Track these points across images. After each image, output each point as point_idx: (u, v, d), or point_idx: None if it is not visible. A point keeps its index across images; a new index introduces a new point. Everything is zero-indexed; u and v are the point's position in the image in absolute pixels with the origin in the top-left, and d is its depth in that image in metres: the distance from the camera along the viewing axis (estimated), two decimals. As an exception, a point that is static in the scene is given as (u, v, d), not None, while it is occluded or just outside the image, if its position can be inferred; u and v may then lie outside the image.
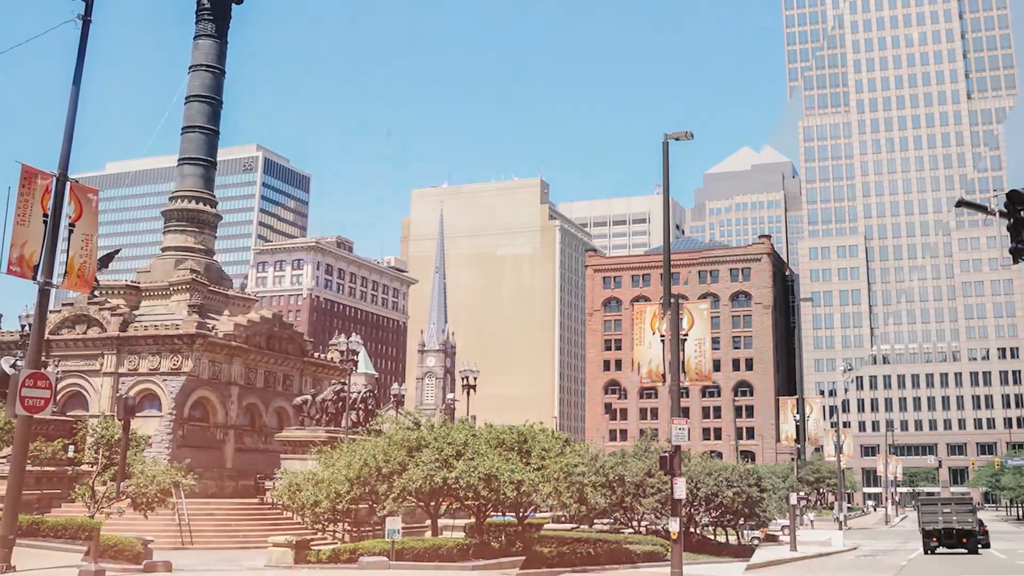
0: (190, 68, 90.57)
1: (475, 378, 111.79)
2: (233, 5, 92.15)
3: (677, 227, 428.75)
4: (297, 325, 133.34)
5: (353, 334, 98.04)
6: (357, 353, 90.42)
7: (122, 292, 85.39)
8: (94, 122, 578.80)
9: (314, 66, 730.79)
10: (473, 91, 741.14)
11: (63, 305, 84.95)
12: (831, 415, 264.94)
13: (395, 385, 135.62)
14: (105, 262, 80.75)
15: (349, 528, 62.98)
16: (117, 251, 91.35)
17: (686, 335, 64.34)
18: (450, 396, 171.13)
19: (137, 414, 62.71)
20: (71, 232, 37.27)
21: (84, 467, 67.05)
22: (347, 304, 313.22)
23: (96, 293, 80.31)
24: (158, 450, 72.71)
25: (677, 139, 55.54)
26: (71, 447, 69.21)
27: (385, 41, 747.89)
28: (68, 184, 37.00)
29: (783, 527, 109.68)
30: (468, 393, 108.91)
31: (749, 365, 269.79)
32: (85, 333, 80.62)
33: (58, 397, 76.24)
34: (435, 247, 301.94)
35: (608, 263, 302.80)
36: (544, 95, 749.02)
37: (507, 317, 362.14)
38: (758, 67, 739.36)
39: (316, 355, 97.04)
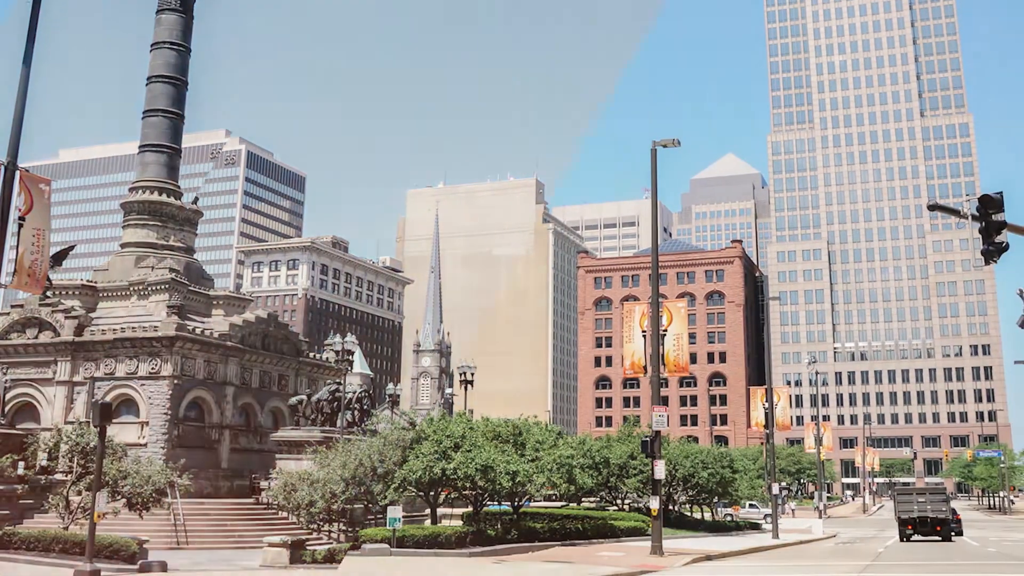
0: (152, 46, 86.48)
1: (472, 374, 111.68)
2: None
3: (665, 230, 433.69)
4: (292, 325, 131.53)
5: (349, 334, 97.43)
6: (352, 353, 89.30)
7: (77, 292, 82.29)
8: (46, 105, 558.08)
9: (309, 65, 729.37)
10: (468, 93, 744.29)
11: (12, 307, 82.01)
12: (799, 405, 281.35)
13: (390, 385, 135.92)
14: (58, 259, 77.32)
15: (344, 528, 62.44)
16: (72, 247, 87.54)
17: (665, 331, 65.57)
18: (448, 391, 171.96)
19: (113, 420, 60.63)
20: (21, 226, 34.12)
21: (58, 476, 63.83)
22: (342, 304, 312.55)
23: (49, 293, 77.54)
24: (153, 450, 70.63)
25: (665, 146, 57.23)
26: (20, 463, 65.89)
27: (379, 42, 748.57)
28: (17, 173, 33.75)
29: (766, 515, 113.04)
30: (466, 388, 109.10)
31: (722, 358, 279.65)
32: (36, 337, 77.43)
33: (6, 408, 74.44)
34: (430, 247, 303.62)
35: (599, 264, 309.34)
36: (538, 100, 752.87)
37: (502, 316, 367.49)
38: (745, 75, 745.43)
39: (311, 355, 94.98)
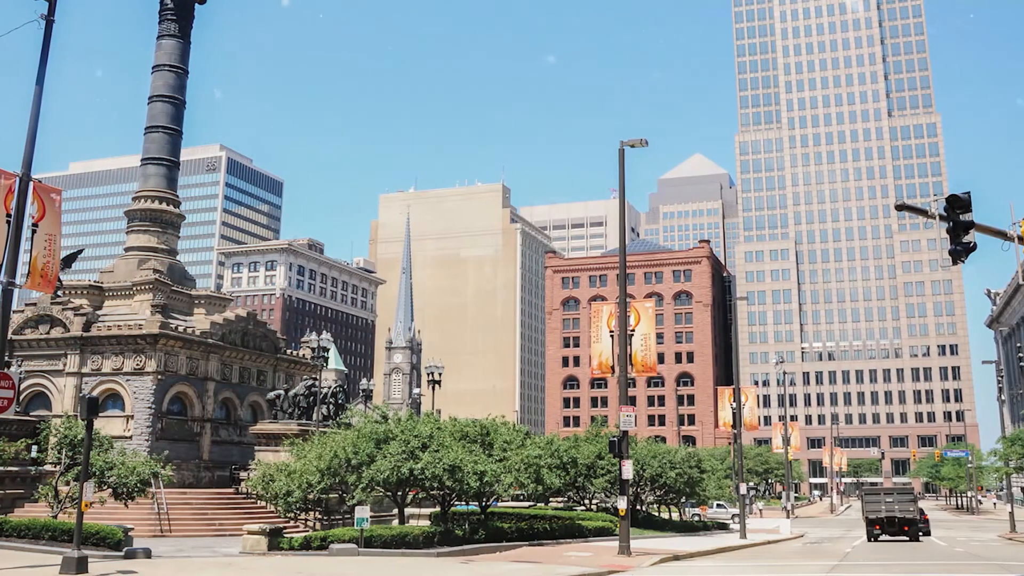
0: (153, 68, 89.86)
1: (440, 374, 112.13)
2: (196, 5, 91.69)
3: (632, 230, 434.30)
4: (270, 323, 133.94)
5: (324, 332, 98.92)
6: (328, 350, 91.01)
7: (85, 292, 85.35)
8: (57, 122, 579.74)
9: (286, 76, 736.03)
10: (438, 98, 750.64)
11: (26, 305, 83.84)
12: (766, 405, 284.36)
13: (364, 381, 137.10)
14: (68, 262, 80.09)
15: (320, 517, 64.18)
16: (80, 251, 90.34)
17: (633, 331, 66.62)
18: (416, 391, 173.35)
19: (100, 414, 62.33)
20: (34, 232, 36.64)
21: (47, 467, 66.76)
22: (318, 303, 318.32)
23: (59, 293, 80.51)
24: (138, 443, 73.33)
25: (632, 146, 56.66)
26: (34, 447, 68.59)
27: (353, 53, 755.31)
28: (31, 184, 36.12)
29: (733, 515, 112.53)
30: (433, 388, 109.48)
31: (690, 358, 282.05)
32: (48, 333, 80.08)
33: (21, 397, 76.92)
34: (402, 249, 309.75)
35: (567, 264, 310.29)
36: (506, 102, 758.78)
37: (471, 316, 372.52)
38: (713, 75, 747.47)
39: (289, 352, 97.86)
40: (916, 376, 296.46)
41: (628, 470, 53.58)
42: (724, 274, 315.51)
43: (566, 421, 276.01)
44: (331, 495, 59.29)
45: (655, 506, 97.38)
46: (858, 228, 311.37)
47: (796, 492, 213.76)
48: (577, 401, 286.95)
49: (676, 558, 54.95)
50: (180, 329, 79.97)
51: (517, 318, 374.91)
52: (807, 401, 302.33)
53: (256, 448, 78.84)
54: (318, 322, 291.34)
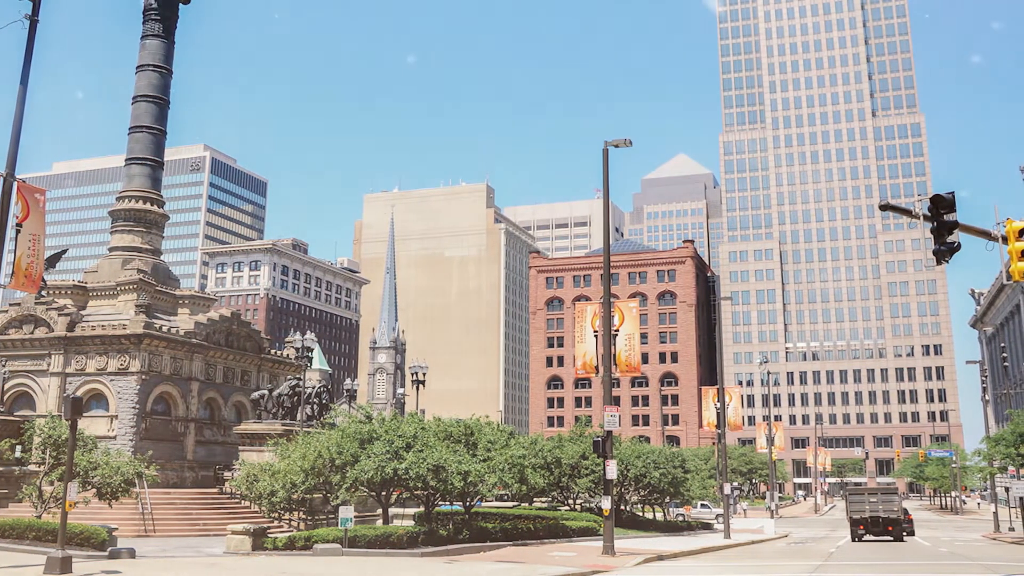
0: (137, 68, 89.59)
1: (424, 374, 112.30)
2: (180, 5, 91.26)
3: (616, 230, 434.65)
4: (254, 323, 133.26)
5: (308, 332, 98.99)
6: (312, 350, 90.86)
7: (69, 292, 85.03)
8: (41, 121, 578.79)
9: (270, 76, 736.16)
10: (422, 98, 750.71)
11: (10, 305, 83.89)
12: (751, 405, 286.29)
13: (348, 381, 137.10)
14: (52, 262, 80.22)
15: (304, 517, 64.17)
16: (64, 251, 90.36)
17: (617, 331, 66.68)
18: (400, 391, 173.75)
19: (84, 414, 62.33)
20: (18, 232, 35.93)
21: (32, 467, 66.80)
22: (302, 303, 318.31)
23: (43, 293, 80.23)
24: (122, 443, 73.21)
25: (616, 146, 56.64)
26: (18, 447, 68.50)
27: (337, 50, 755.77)
28: (15, 184, 35.44)
29: (717, 515, 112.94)
30: (417, 388, 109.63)
31: (674, 358, 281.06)
32: (32, 333, 79.93)
33: (5, 397, 77.33)
34: (386, 249, 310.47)
35: (551, 264, 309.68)
36: (491, 102, 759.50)
37: (455, 316, 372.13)
38: (697, 75, 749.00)
39: (273, 352, 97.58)
40: (900, 376, 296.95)
41: (612, 470, 53.44)
42: (708, 274, 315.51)
43: (550, 421, 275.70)
44: (315, 495, 59.43)
45: (639, 506, 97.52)
46: (842, 228, 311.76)
47: (780, 492, 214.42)
48: (561, 401, 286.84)
49: (660, 558, 54.88)
50: (164, 329, 79.87)
51: (501, 318, 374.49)
52: (791, 401, 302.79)
53: (240, 448, 78.85)
54: (302, 322, 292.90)
